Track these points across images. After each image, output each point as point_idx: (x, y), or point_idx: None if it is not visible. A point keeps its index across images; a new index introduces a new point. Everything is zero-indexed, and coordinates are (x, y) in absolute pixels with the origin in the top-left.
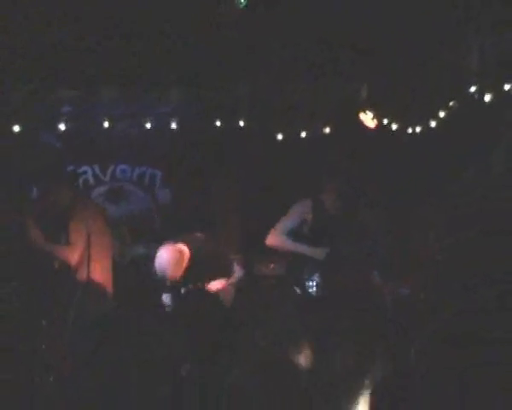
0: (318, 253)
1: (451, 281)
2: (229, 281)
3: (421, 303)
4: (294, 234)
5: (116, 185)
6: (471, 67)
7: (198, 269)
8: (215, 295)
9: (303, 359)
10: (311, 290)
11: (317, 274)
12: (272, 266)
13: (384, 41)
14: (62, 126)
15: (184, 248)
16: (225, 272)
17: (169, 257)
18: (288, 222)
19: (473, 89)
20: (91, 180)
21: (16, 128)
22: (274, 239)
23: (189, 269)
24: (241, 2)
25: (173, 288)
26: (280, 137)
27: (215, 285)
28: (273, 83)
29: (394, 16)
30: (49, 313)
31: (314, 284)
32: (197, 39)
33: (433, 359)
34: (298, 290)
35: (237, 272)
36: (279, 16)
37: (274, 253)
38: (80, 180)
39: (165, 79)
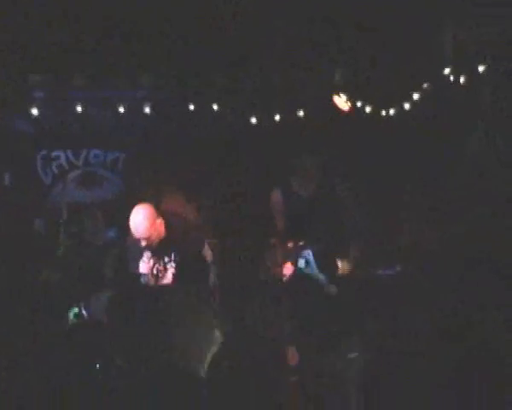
0: None
1: (447, 271)
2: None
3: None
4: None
5: (89, 170)
6: (445, 48)
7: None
8: None
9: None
10: (301, 267)
11: (307, 251)
12: None
13: (357, 23)
14: (35, 111)
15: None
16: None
17: (144, 214)
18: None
19: (447, 71)
20: (65, 165)
21: None
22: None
23: (166, 239)
24: None
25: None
26: (254, 120)
27: None
28: (246, 66)
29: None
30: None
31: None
32: (169, 25)
33: (430, 348)
34: None
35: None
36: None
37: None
38: (54, 165)
39: (138, 64)
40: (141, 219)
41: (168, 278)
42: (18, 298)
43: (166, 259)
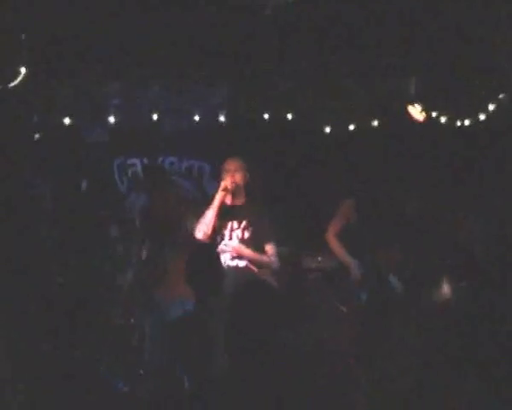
0: (352, 265)
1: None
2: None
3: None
4: (342, 235)
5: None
6: None
7: None
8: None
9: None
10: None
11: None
12: (320, 259)
13: (433, 33)
14: (111, 119)
15: None
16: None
17: None
18: (334, 224)
19: None
20: (140, 172)
21: (67, 121)
22: (327, 239)
23: None
24: None
25: None
26: (327, 130)
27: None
28: (320, 76)
29: (444, 8)
30: None
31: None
32: (244, 32)
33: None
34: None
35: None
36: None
37: (322, 246)
38: (129, 172)
39: (214, 72)
40: None
41: None
42: (93, 301)
43: None
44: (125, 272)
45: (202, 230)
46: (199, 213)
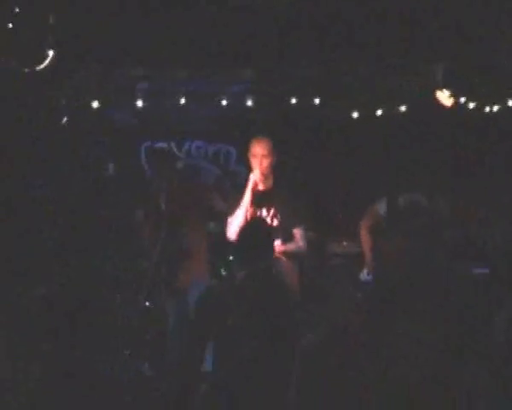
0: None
1: None
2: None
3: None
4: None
5: (191, 162)
6: None
7: None
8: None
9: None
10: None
11: None
12: (345, 244)
13: (461, 18)
14: (139, 103)
15: None
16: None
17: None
18: (366, 220)
19: None
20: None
21: (95, 104)
22: (360, 232)
23: None
24: None
25: None
26: (355, 115)
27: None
28: (348, 60)
29: None
30: None
31: None
32: (269, 18)
33: None
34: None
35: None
36: None
37: (348, 231)
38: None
39: (240, 57)
40: None
41: None
42: (117, 284)
43: None
44: (150, 256)
45: (234, 231)
46: (225, 197)
